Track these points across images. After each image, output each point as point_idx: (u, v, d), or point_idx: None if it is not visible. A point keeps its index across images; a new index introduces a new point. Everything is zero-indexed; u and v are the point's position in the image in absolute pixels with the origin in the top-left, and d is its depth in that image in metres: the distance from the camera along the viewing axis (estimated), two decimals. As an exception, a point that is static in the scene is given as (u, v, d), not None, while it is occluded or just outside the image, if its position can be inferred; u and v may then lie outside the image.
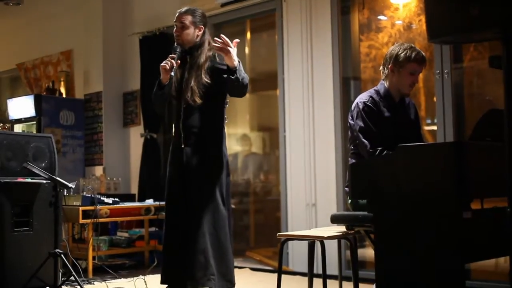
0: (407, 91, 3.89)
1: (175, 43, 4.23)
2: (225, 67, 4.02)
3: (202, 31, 4.24)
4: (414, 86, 3.90)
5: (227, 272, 4.10)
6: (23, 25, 9.06)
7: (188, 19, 4.21)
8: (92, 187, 6.52)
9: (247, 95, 6.80)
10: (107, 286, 5.22)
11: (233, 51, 3.93)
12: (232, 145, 7.10)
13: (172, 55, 4.15)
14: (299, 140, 5.88)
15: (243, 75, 4.02)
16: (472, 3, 2.33)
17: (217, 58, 4.20)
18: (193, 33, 4.21)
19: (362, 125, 3.75)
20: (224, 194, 4.18)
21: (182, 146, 4.25)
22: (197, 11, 4.29)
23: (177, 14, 4.28)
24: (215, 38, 3.98)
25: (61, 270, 4.75)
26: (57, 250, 4.56)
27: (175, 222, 4.20)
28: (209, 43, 4.25)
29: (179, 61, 4.14)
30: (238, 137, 7.24)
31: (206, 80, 4.10)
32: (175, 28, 4.26)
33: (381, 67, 3.94)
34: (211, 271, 4.01)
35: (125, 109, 7.74)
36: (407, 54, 3.78)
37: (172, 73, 4.09)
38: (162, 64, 4.13)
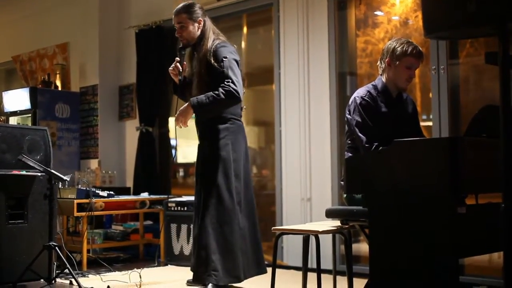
0: (404, 85, 3.89)
1: (180, 44, 4.30)
2: (218, 67, 4.08)
3: (202, 23, 4.26)
4: (411, 80, 3.90)
5: (233, 268, 4.10)
6: (19, 18, 9.03)
7: (183, 17, 4.24)
8: (87, 180, 6.52)
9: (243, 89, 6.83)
10: (101, 279, 5.22)
11: (184, 116, 4.08)
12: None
13: (177, 58, 4.23)
14: (294, 135, 5.88)
15: (207, 101, 4.02)
16: (469, -2, 2.33)
17: (215, 52, 4.16)
18: (193, 28, 4.24)
19: (359, 119, 3.75)
20: (232, 188, 4.16)
21: (199, 142, 4.35)
22: (190, 6, 4.29)
23: (173, 15, 4.30)
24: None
25: (55, 263, 4.76)
26: (52, 243, 4.56)
27: (194, 215, 4.33)
28: (211, 32, 4.27)
29: (185, 63, 4.23)
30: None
31: (204, 76, 4.14)
32: (176, 30, 4.30)
33: (378, 62, 3.94)
34: (212, 266, 4.04)
35: (120, 103, 7.73)
36: (404, 48, 3.79)
37: (180, 77, 4.20)
38: (169, 69, 4.24)
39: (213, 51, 4.14)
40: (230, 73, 4.06)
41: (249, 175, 4.35)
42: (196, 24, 4.25)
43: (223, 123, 4.20)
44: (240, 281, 4.20)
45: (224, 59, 4.07)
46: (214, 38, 4.25)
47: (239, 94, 4.04)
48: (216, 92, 4.02)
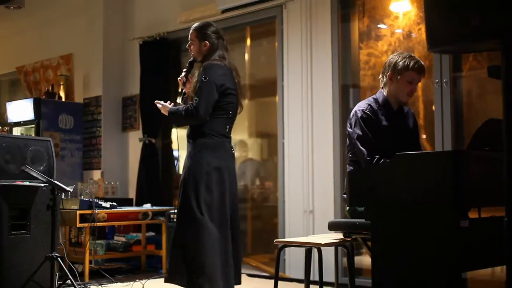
0: (405, 99, 3.90)
1: (192, 57, 4.58)
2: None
3: (207, 46, 4.45)
4: (412, 95, 3.90)
5: (196, 277, 4.14)
6: (23, 29, 9.07)
7: (193, 34, 4.52)
8: (90, 191, 6.52)
9: (247, 101, 6.86)
10: (103, 290, 5.22)
11: (164, 108, 4.42)
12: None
13: (185, 68, 4.53)
14: (297, 147, 5.88)
15: (175, 112, 4.35)
16: (473, 13, 2.34)
17: (199, 73, 4.37)
18: (198, 47, 4.48)
19: (360, 133, 3.76)
20: (201, 200, 4.22)
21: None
22: (203, 27, 4.53)
23: None
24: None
25: (57, 274, 4.75)
26: (54, 254, 4.55)
27: None
28: (215, 55, 4.46)
29: (190, 75, 4.51)
30: (236, 143, 7.24)
31: (193, 94, 4.37)
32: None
33: (380, 75, 3.95)
34: (179, 271, 4.22)
35: (124, 114, 7.75)
36: (406, 62, 3.79)
37: (183, 86, 4.49)
38: (178, 78, 4.55)
39: (201, 70, 4.37)
40: (198, 92, 4.27)
41: (225, 189, 4.38)
42: (202, 44, 4.46)
43: (202, 137, 4.35)
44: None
45: (203, 79, 4.28)
46: (213, 59, 4.43)
47: (197, 113, 4.23)
48: (182, 108, 4.33)
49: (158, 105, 4.45)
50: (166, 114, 4.43)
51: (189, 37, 4.54)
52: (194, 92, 4.32)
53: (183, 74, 4.51)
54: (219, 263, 4.23)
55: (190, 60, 4.56)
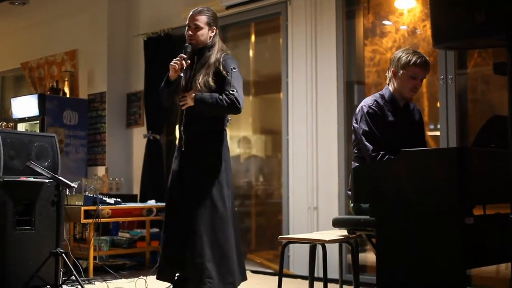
0: (408, 95, 3.89)
1: (187, 43, 4.24)
2: (225, 76, 4.08)
3: (214, 32, 4.26)
4: (416, 90, 3.89)
5: (228, 275, 4.09)
6: (28, 25, 9.08)
7: (202, 19, 4.22)
8: (94, 187, 6.52)
9: (250, 97, 6.86)
10: (107, 286, 5.23)
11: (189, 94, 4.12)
12: (235, 148, 7.11)
13: (183, 55, 4.16)
14: (301, 144, 5.88)
15: (209, 100, 4.05)
16: (478, 10, 2.34)
17: (224, 62, 4.16)
18: (206, 34, 4.23)
19: (366, 128, 3.75)
20: (224, 196, 4.15)
21: (183, 149, 4.29)
22: (212, 12, 4.30)
23: (191, 14, 4.27)
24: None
25: (62, 270, 4.76)
26: (59, 250, 4.56)
27: (173, 223, 4.24)
28: (221, 43, 4.29)
29: (189, 61, 4.18)
30: (240, 140, 7.24)
31: (212, 83, 4.12)
32: (188, 28, 4.26)
33: (386, 71, 3.95)
34: (207, 274, 4.01)
35: (128, 110, 7.75)
36: (409, 58, 3.78)
37: (181, 74, 4.15)
38: (171, 63, 4.17)
39: (223, 61, 4.15)
40: (236, 84, 4.08)
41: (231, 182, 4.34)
42: (210, 31, 4.23)
43: (214, 132, 4.21)
44: (235, 286, 4.17)
45: (233, 69, 4.10)
46: (222, 49, 4.27)
47: (239, 105, 4.06)
48: (221, 96, 4.05)
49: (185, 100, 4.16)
50: (192, 101, 4.11)
51: (194, 21, 4.20)
52: (214, 84, 4.09)
53: (181, 59, 4.13)
54: (237, 257, 4.18)
55: (187, 44, 4.22)
